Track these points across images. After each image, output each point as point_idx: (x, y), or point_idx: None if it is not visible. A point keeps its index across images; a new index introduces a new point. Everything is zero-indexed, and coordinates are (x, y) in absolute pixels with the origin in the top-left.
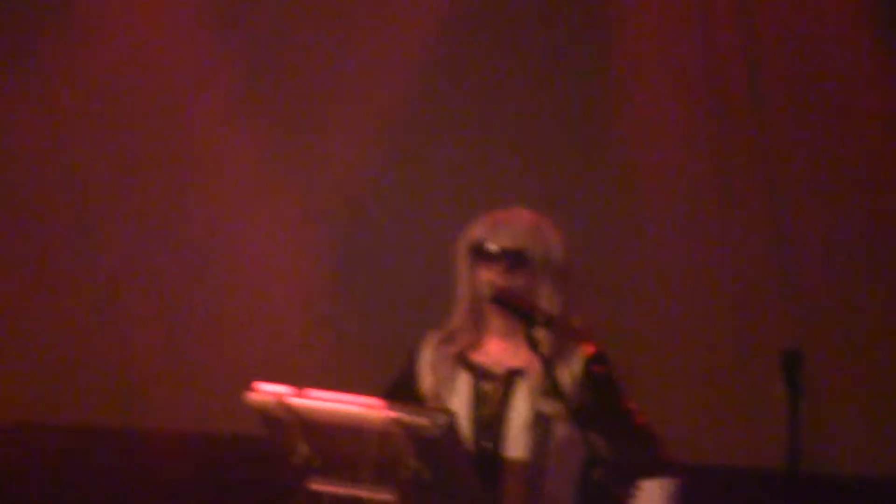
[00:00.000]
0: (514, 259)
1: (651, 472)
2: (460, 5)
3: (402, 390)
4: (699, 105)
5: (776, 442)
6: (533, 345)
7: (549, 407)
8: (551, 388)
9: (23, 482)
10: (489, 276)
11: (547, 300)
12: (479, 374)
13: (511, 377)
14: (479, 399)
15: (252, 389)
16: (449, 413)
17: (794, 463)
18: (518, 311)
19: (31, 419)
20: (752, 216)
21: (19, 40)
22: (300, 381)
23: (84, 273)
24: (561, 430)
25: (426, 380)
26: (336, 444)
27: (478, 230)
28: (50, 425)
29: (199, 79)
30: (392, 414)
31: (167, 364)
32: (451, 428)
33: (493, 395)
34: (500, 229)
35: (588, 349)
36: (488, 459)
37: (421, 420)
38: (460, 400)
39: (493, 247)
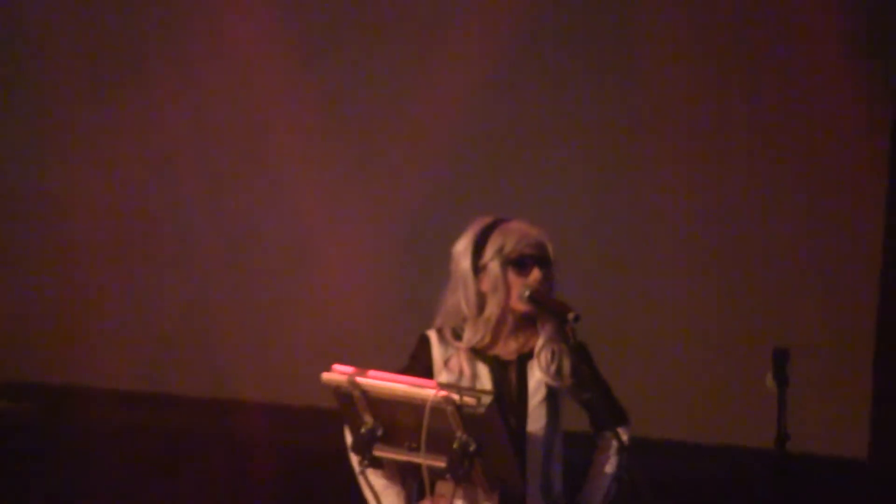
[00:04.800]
0: (546, 261)
1: (614, 423)
2: (526, 24)
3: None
4: (704, 115)
5: (768, 425)
6: (566, 336)
7: (557, 382)
8: (562, 368)
9: (126, 447)
10: (527, 281)
11: (555, 291)
12: (497, 363)
13: (523, 362)
14: (500, 385)
15: (329, 370)
16: (492, 393)
17: (782, 443)
18: (551, 307)
19: (137, 389)
20: (749, 233)
21: (129, 64)
22: (365, 363)
23: (183, 271)
24: (564, 401)
25: (442, 375)
26: (396, 417)
27: (509, 243)
28: (153, 394)
29: (284, 96)
30: (444, 393)
31: (252, 347)
32: (494, 406)
33: (511, 380)
34: (529, 238)
35: (572, 313)
36: (514, 433)
37: (468, 399)
38: (483, 388)
39: (531, 254)
